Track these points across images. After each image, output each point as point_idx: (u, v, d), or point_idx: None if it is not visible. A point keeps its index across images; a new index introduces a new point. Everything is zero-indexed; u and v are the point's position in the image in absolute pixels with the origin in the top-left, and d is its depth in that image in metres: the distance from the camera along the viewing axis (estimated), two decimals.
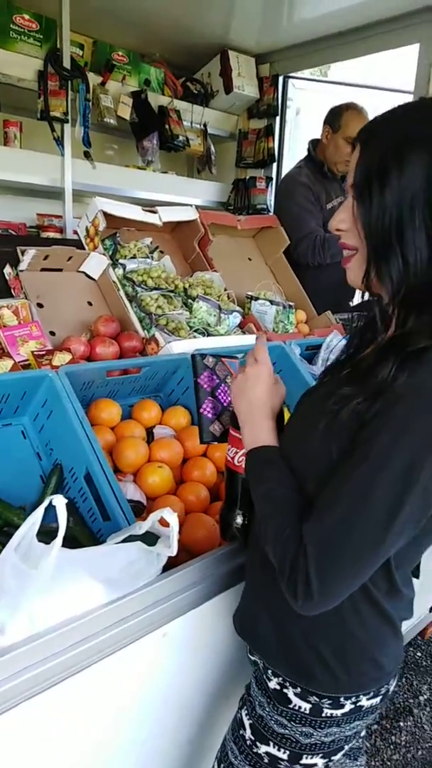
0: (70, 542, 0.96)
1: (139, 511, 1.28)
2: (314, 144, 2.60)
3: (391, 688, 0.96)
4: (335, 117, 2.48)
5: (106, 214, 1.81)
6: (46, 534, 0.79)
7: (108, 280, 1.79)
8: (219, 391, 1.03)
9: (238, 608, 1.02)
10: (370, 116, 2.42)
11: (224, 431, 1.02)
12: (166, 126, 2.84)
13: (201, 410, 1.02)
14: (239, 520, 1.04)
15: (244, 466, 1.00)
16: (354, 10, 2.68)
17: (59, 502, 0.71)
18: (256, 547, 0.96)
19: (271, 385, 0.96)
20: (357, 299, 2.74)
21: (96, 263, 1.80)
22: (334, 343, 2.06)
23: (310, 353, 2.05)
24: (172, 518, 0.81)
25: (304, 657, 0.88)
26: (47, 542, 0.79)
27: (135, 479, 1.35)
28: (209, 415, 1.02)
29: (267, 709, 0.94)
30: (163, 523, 0.83)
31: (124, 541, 0.88)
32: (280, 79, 3.18)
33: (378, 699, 0.93)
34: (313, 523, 0.75)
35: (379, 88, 3.18)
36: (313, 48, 3.02)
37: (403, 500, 0.70)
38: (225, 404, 1.04)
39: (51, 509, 0.76)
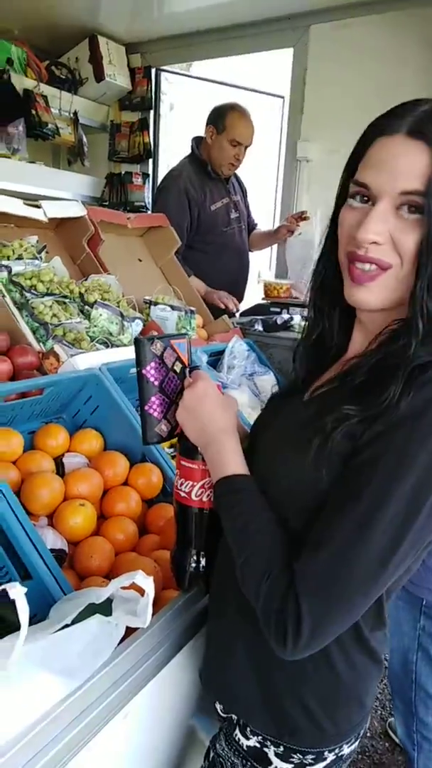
0: None
1: (61, 560, 1.09)
2: (197, 142, 2.50)
3: (367, 726, 0.91)
4: (219, 117, 2.39)
5: None
6: None
7: None
8: (166, 383, 0.87)
9: (205, 664, 0.89)
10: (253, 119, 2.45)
11: (172, 428, 0.87)
12: (33, 112, 2.57)
13: (146, 408, 0.85)
14: (195, 562, 0.91)
15: (203, 499, 0.88)
16: (226, 9, 2.64)
17: (18, 593, 0.53)
18: (225, 591, 0.84)
19: (221, 398, 0.84)
20: (247, 304, 2.72)
21: None
22: (237, 348, 2.00)
23: (214, 359, 1.97)
24: (148, 584, 0.66)
25: (289, 709, 0.79)
26: None
27: (51, 522, 1.15)
28: (156, 414, 0.87)
29: None
30: (136, 588, 0.67)
31: (81, 614, 0.71)
32: (153, 71, 3.04)
33: (356, 744, 0.88)
34: (306, 559, 0.67)
35: (252, 90, 3.18)
36: (187, 42, 2.93)
37: (405, 531, 0.65)
38: (173, 398, 0.88)
39: None
